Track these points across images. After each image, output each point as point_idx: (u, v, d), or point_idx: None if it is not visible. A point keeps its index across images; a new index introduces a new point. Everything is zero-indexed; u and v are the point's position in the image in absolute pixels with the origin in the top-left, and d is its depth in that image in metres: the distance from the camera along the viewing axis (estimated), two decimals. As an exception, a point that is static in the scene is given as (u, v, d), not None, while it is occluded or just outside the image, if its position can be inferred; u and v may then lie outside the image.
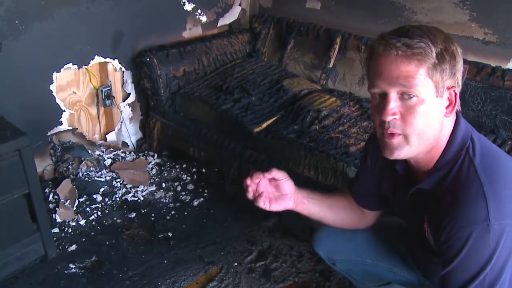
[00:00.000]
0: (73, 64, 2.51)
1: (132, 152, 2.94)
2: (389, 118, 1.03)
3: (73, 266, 2.08)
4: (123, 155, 2.87)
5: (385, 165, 1.27)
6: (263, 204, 1.26)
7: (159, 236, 2.29)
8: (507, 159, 1.09)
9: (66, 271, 2.05)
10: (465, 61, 2.42)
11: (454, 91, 1.05)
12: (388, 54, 1.01)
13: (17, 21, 2.19)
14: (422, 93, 1.01)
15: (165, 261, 2.13)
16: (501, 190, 0.99)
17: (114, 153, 2.84)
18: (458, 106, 1.07)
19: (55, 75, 2.45)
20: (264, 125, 2.43)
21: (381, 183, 1.35)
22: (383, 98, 1.04)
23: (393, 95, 1.03)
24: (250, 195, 1.26)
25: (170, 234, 2.30)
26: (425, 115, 1.03)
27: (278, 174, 1.27)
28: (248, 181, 1.25)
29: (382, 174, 1.33)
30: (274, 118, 2.47)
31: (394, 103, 1.03)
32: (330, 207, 1.42)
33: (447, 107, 1.06)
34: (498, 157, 1.08)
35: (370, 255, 1.53)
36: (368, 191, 1.41)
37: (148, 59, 2.66)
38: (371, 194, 1.41)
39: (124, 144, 2.96)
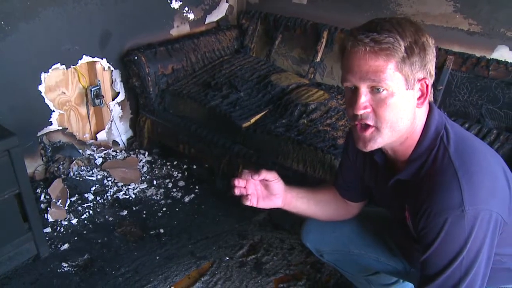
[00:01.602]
0: (61, 64, 2.52)
1: (123, 151, 2.95)
2: (360, 112, 1.06)
3: (66, 265, 2.09)
4: (114, 153, 2.88)
5: (366, 157, 1.29)
6: (250, 202, 1.29)
7: (151, 232, 2.31)
8: (481, 145, 1.11)
9: (59, 270, 2.06)
10: (451, 52, 2.46)
11: (425, 82, 1.06)
12: (357, 50, 1.03)
13: (2, 22, 2.19)
14: (391, 87, 1.02)
15: (157, 257, 2.15)
16: (475, 176, 1.01)
17: (105, 152, 2.85)
18: (430, 97, 1.09)
19: (43, 75, 2.46)
20: (252, 120, 2.45)
21: (363, 174, 1.37)
22: (355, 92, 1.07)
23: (364, 89, 1.05)
24: (236, 193, 1.28)
25: (161, 231, 2.32)
26: (395, 107, 1.04)
27: (268, 175, 1.28)
28: (236, 182, 1.27)
29: (363, 166, 1.35)
30: (263, 113, 2.49)
31: (364, 97, 1.05)
32: (318, 203, 1.45)
33: (419, 98, 1.07)
34: (472, 145, 1.09)
35: (356, 245, 1.54)
36: (351, 184, 1.43)
37: (136, 58, 2.67)
38: (354, 186, 1.43)
39: (115, 142, 2.98)
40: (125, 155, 2.91)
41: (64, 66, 2.54)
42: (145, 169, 2.82)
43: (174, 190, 2.65)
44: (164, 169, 2.83)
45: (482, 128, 2.26)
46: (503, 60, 2.33)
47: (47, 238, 2.21)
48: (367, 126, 1.08)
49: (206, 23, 3.22)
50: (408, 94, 1.05)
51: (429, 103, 1.13)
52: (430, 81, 1.07)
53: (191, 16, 3.09)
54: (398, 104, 1.04)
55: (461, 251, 1.00)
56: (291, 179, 2.16)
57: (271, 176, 1.29)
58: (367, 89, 1.05)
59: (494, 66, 2.32)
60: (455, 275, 1.02)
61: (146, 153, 2.95)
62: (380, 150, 1.19)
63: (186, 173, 2.80)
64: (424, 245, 1.06)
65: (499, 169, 1.08)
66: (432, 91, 1.09)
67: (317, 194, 1.47)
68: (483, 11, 2.37)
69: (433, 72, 1.07)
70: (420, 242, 1.08)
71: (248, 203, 1.28)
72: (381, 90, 1.03)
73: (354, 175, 1.40)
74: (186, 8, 3.04)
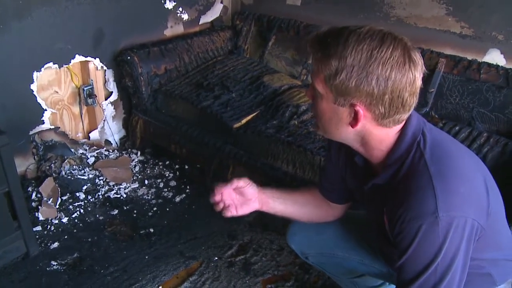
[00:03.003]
0: (53, 64, 2.52)
1: (116, 150, 2.96)
2: (308, 98, 1.16)
3: (55, 263, 2.09)
4: (106, 153, 2.89)
5: (348, 158, 1.29)
6: (230, 213, 1.36)
7: (141, 232, 2.31)
8: (459, 151, 1.10)
9: (48, 268, 2.06)
10: (443, 55, 2.47)
11: (355, 108, 1.03)
12: (309, 52, 1.08)
13: (-6, 21, 2.21)
14: (321, 92, 1.06)
15: (146, 257, 2.15)
16: (450, 182, 1.00)
17: (98, 151, 2.85)
18: (371, 123, 1.06)
19: (35, 74, 2.46)
20: (243, 121, 2.46)
21: (346, 176, 1.37)
22: None
23: (312, 81, 1.09)
24: (218, 209, 1.36)
25: (151, 230, 2.32)
26: (322, 110, 1.09)
27: (239, 184, 1.35)
28: (215, 198, 1.35)
29: (345, 168, 1.34)
30: (254, 114, 2.50)
31: (311, 89, 1.11)
32: (295, 204, 1.46)
33: (353, 119, 1.06)
34: (450, 150, 1.08)
35: (340, 248, 1.54)
36: (334, 185, 1.43)
37: (129, 58, 2.68)
38: (338, 188, 1.43)
39: (107, 142, 2.98)
40: (118, 154, 2.91)
41: (56, 65, 2.54)
42: (137, 168, 2.83)
43: (166, 190, 2.65)
44: (156, 169, 2.84)
45: (472, 131, 2.26)
46: (494, 63, 2.35)
47: (37, 237, 2.21)
48: None
49: (200, 23, 3.23)
50: (336, 108, 1.05)
51: None
52: (370, 112, 1.03)
53: (185, 16, 3.10)
54: (325, 110, 1.08)
55: (435, 258, 1.00)
56: (281, 180, 2.20)
57: (243, 183, 1.35)
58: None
59: (485, 69, 2.34)
60: (430, 281, 1.02)
61: (139, 153, 2.96)
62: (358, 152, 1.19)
63: (178, 173, 2.81)
64: (400, 251, 1.05)
65: (478, 175, 1.07)
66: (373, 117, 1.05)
67: (294, 195, 1.48)
68: (474, 14, 2.39)
69: (383, 109, 1.01)
70: (396, 247, 1.08)
71: (229, 214, 1.35)
72: (316, 89, 1.07)
73: (337, 177, 1.40)
74: (180, 9, 3.05)
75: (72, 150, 2.75)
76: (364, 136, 1.09)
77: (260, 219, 2.38)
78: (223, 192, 1.34)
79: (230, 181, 1.34)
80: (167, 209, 2.49)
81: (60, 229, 2.31)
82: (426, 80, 2.48)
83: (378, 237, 1.32)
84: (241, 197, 1.37)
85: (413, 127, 1.09)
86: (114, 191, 2.60)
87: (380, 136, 1.09)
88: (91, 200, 2.52)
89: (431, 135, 1.09)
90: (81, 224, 2.35)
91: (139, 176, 2.76)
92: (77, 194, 2.54)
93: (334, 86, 1.01)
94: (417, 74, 1.00)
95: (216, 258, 2.16)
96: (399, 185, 1.07)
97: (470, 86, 2.39)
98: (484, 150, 2.14)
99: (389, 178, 1.12)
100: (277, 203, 1.43)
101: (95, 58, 2.71)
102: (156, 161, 2.91)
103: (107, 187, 2.62)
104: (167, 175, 2.79)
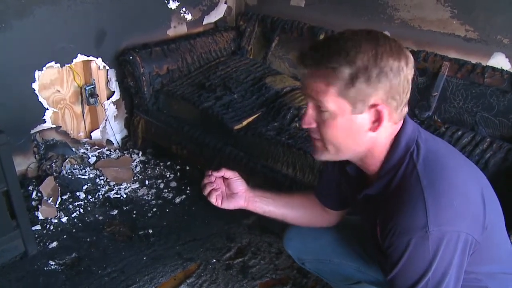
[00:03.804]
0: (55, 63, 2.52)
1: (117, 150, 2.95)
2: (305, 127, 1.07)
3: (53, 263, 2.09)
4: (108, 152, 2.88)
5: (342, 167, 1.26)
6: (215, 200, 1.33)
7: (140, 233, 2.30)
8: (456, 162, 1.07)
9: (45, 268, 2.06)
10: (447, 58, 2.44)
11: (377, 109, 1.00)
12: (302, 71, 1.03)
13: (-4, 20, 2.21)
14: (334, 109, 1.00)
15: (144, 258, 2.14)
16: (442, 195, 0.98)
17: (99, 151, 2.85)
18: (389, 121, 1.03)
19: (37, 73, 2.46)
20: (244, 123, 2.44)
21: (341, 184, 1.35)
22: (307, 105, 1.07)
23: (311, 104, 1.05)
24: (206, 192, 1.33)
25: (150, 231, 2.31)
26: (338, 129, 1.02)
27: (227, 173, 1.34)
28: (205, 180, 1.34)
29: (340, 176, 1.33)
30: (255, 116, 2.48)
31: (311, 114, 1.05)
32: (286, 206, 1.44)
33: (373, 122, 1.02)
34: (444, 162, 1.05)
35: (337, 254, 1.53)
36: (330, 192, 1.42)
37: (131, 57, 2.67)
38: (333, 194, 1.41)
39: (109, 142, 2.98)
40: (119, 154, 2.91)
41: (58, 65, 2.54)
42: (138, 169, 2.82)
43: (166, 190, 2.65)
44: (157, 169, 2.83)
45: (475, 136, 2.23)
46: (499, 67, 2.31)
47: (36, 236, 2.21)
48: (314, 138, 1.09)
49: (203, 24, 3.22)
50: (354, 118, 1.01)
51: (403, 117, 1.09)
52: (388, 107, 1.00)
53: (188, 16, 3.09)
54: (342, 126, 1.02)
55: (425, 273, 0.98)
56: (280, 183, 2.18)
57: (231, 174, 1.34)
58: (314, 106, 1.04)
59: (490, 73, 2.30)
60: None
61: (140, 153, 2.95)
62: (351, 162, 1.17)
63: (178, 174, 2.80)
64: (390, 264, 1.04)
65: (474, 187, 1.05)
66: (393, 113, 1.02)
67: (287, 198, 1.46)
68: (479, 17, 2.36)
69: (399, 97, 1.00)
70: (387, 259, 1.06)
71: (213, 200, 1.33)
72: (324, 111, 1.01)
73: (332, 184, 1.39)
74: (184, 9, 3.04)
75: (74, 149, 2.75)
76: (372, 144, 1.07)
77: (259, 222, 2.37)
78: (215, 176, 1.33)
79: (219, 169, 1.34)
80: (167, 210, 2.48)
81: (59, 229, 2.31)
82: (430, 83, 2.47)
83: (372, 246, 1.30)
84: (228, 190, 1.36)
85: (407, 135, 1.06)
86: (114, 191, 2.60)
87: (379, 141, 1.06)
88: (91, 200, 2.52)
89: (425, 146, 1.06)
90: (80, 224, 2.35)
91: (140, 177, 2.75)
92: (77, 193, 2.53)
93: (355, 92, 0.97)
94: (410, 56, 1.02)
95: (214, 260, 2.15)
96: (391, 197, 1.05)
97: (474, 90, 2.36)
98: (486, 155, 2.10)
99: (381, 188, 1.09)
100: (264, 204, 1.40)
101: (97, 58, 2.71)
102: (157, 161, 2.90)
103: (107, 187, 2.62)
104: (167, 175, 2.78)
